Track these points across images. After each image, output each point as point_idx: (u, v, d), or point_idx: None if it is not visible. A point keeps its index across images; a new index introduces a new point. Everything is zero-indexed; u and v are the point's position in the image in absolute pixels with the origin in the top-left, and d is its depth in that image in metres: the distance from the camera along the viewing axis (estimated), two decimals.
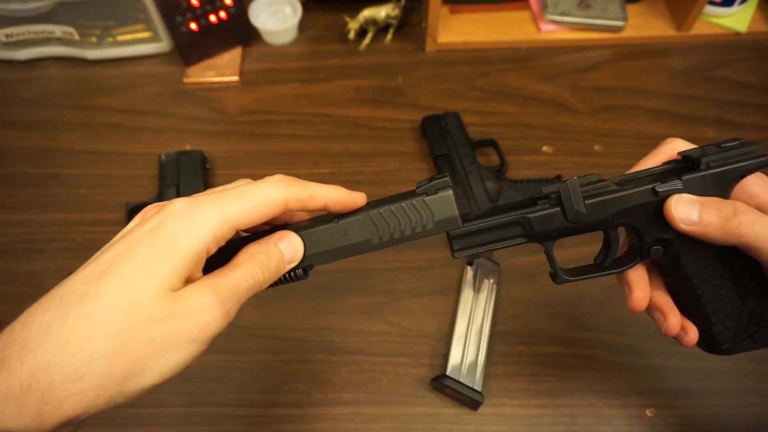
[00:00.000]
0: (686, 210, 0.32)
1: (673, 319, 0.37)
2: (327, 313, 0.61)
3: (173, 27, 0.76)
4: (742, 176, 0.33)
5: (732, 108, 0.76)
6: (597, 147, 0.73)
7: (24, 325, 0.26)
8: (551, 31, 0.83)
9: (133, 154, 0.74)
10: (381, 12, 0.81)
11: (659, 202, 0.33)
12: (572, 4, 0.83)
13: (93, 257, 0.28)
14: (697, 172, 0.33)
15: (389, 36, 0.85)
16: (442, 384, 0.54)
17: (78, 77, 0.82)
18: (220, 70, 0.81)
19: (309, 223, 0.33)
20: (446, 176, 0.33)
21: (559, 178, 0.67)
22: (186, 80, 0.81)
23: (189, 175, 0.68)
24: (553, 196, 0.34)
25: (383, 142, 0.75)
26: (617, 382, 0.56)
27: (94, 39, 0.80)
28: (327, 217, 0.33)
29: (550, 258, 0.36)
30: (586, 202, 0.33)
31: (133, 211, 0.66)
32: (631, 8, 0.84)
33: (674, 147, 0.35)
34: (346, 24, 0.83)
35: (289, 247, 0.32)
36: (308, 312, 0.61)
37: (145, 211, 0.30)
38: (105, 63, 0.83)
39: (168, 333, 0.26)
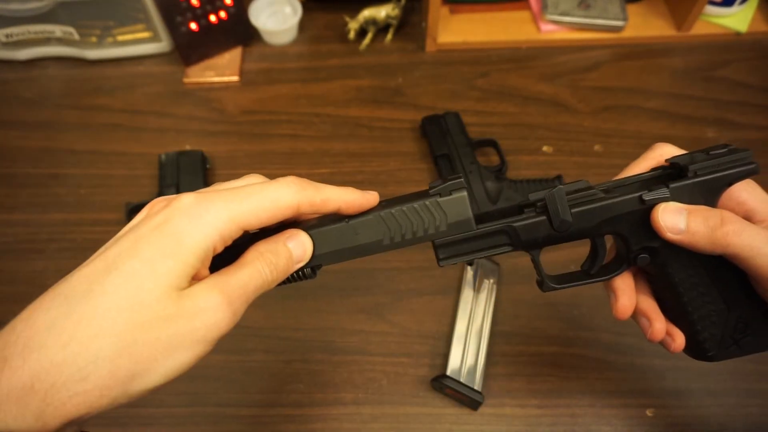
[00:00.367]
0: (673, 219, 0.32)
1: (658, 325, 0.37)
2: (327, 313, 0.61)
3: (173, 27, 0.76)
4: (730, 184, 0.33)
5: (732, 108, 0.76)
6: (597, 147, 0.73)
7: (26, 324, 0.25)
8: (551, 31, 0.83)
9: (133, 154, 0.74)
10: (381, 12, 0.81)
11: (646, 210, 0.33)
12: (572, 4, 0.83)
13: (98, 252, 0.28)
14: (685, 180, 0.32)
15: (389, 36, 0.85)
16: (442, 384, 0.54)
17: (78, 77, 0.82)
18: (220, 70, 0.81)
19: (318, 222, 0.33)
20: (460, 177, 0.32)
21: (559, 178, 0.67)
22: (186, 80, 0.81)
23: (189, 175, 0.68)
24: (539, 204, 0.33)
25: (383, 142, 0.75)
26: (617, 382, 0.56)
27: (94, 39, 0.80)
28: (337, 216, 0.33)
29: (537, 266, 0.35)
30: (573, 210, 0.33)
31: (133, 211, 0.66)
32: (631, 8, 0.84)
33: (663, 153, 0.35)
34: (346, 24, 0.83)
35: (298, 246, 0.31)
36: (309, 312, 0.61)
37: (151, 205, 0.29)
38: (105, 63, 0.83)
39: (174, 333, 0.25)
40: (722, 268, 0.33)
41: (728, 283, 0.34)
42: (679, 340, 0.36)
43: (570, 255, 0.52)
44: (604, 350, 0.58)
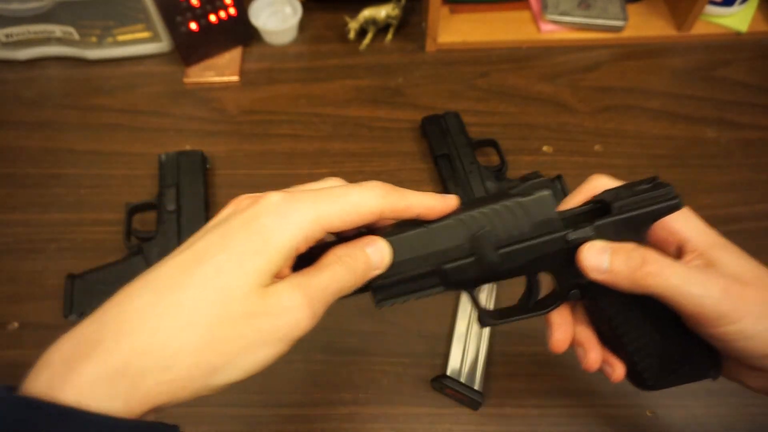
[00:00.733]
0: (597, 258, 0.32)
1: (593, 355, 0.37)
2: (327, 313, 0.61)
3: (173, 27, 0.76)
4: (655, 220, 0.32)
5: (732, 108, 0.76)
6: (597, 147, 0.73)
7: (119, 308, 0.25)
8: (551, 31, 0.83)
9: (133, 154, 0.74)
10: (381, 12, 0.81)
11: (572, 249, 0.32)
12: (572, 4, 0.83)
13: (186, 244, 0.28)
14: (609, 217, 0.32)
15: (389, 36, 0.85)
16: (442, 384, 0.54)
17: (78, 77, 0.82)
18: (220, 70, 0.81)
19: (395, 229, 0.32)
20: (541, 176, 0.32)
21: (559, 178, 0.67)
22: (186, 80, 0.81)
23: (189, 175, 0.68)
24: (466, 246, 0.32)
25: (383, 142, 0.75)
26: (617, 383, 0.56)
27: (94, 39, 0.80)
28: (415, 221, 0.32)
29: (474, 303, 0.35)
30: (499, 251, 0.32)
31: (133, 211, 0.66)
32: (632, 8, 0.84)
33: (597, 185, 0.35)
34: (346, 24, 0.83)
35: (376, 252, 0.30)
36: None
37: (237, 201, 0.29)
38: (105, 63, 0.83)
39: (258, 330, 0.26)
40: (653, 302, 0.32)
41: (660, 316, 0.33)
42: (618, 370, 0.37)
43: None
44: None
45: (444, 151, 0.70)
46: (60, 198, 0.71)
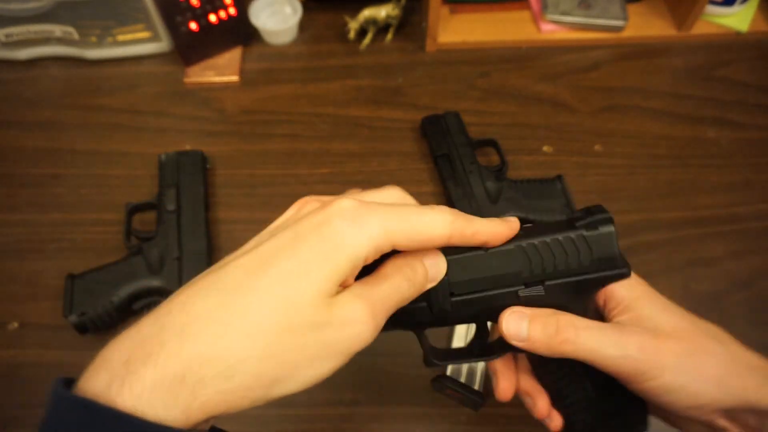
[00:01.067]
0: (516, 325, 0.32)
1: (542, 402, 0.37)
2: None
3: (173, 27, 0.76)
4: (603, 285, 0.33)
5: (732, 108, 0.76)
6: (597, 147, 0.73)
7: (182, 309, 0.24)
8: (551, 31, 0.83)
9: (133, 154, 0.74)
10: (381, 12, 0.81)
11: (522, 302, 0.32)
12: (572, 4, 0.83)
13: (252, 243, 0.27)
14: (560, 278, 0.32)
15: (389, 36, 0.85)
16: (442, 384, 0.54)
17: (78, 77, 0.82)
18: (220, 70, 0.81)
19: (454, 249, 0.31)
20: (604, 210, 0.32)
21: (559, 178, 0.67)
22: (186, 80, 0.81)
23: (189, 175, 0.68)
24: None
25: (383, 142, 0.75)
26: None
27: (94, 39, 0.80)
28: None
29: (421, 343, 0.35)
30: (453, 299, 0.32)
31: (132, 211, 0.66)
32: (632, 8, 0.84)
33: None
34: (346, 24, 0.83)
35: (434, 265, 0.30)
36: None
37: (302, 203, 0.29)
38: (105, 63, 0.83)
39: (321, 341, 0.25)
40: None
41: (597, 374, 0.33)
42: (556, 420, 0.37)
43: None
44: None
45: (444, 151, 0.70)
46: (60, 198, 0.71)
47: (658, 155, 0.72)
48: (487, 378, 0.56)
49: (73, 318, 0.56)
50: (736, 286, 0.62)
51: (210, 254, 0.63)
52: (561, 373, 0.35)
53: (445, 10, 0.85)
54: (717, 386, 0.31)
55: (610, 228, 0.31)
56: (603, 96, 0.78)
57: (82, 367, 0.24)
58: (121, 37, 0.81)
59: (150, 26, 0.79)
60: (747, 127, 0.75)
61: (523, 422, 0.55)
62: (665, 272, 0.63)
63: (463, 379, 0.55)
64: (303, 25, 0.86)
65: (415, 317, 0.32)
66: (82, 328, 0.57)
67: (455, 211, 0.29)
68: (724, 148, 0.73)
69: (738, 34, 0.83)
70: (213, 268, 0.26)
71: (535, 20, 0.84)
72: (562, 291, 0.32)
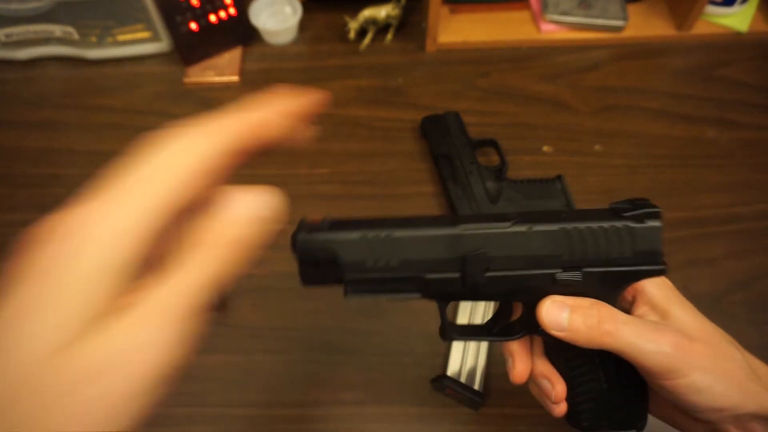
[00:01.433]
0: (557, 315, 0.32)
1: (560, 386, 0.37)
2: (327, 313, 0.61)
3: (173, 27, 0.76)
4: (638, 279, 0.33)
5: (732, 108, 0.76)
6: (597, 147, 0.73)
7: None
8: (551, 31, 0.83)
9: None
10: (381, 12, 0.81)
11: (555, 287, 0.32)
12: (572, 4, 0.83)
13: None
14: (599, 267, 0.32)
15: (389, 36, 0.85)
16: (442, 384, 0.54)
17: (78, 77, 0.82)
18: (220, 70, 0.81)
19: (483, 217, 0.31)
20: (652, 203, 0.31)
21: (559, 178, 0.67)
22: (186, 80, 0.81)
23: None
24: (456, 258, 0.31)
25: (383, 142, 0.75)
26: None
27: (94, 39, 0.80)
28: (505, 215, 0.31)
29: (442, 315, 0.35)
30: (488, 274, 0.31)
31: None
32: (632, 8, 0.84)
33: None
34: (346, 24, 0.83)
35: (250, 204, 0.21)
36: (308, 312, 0.61)
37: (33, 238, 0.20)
38: (105, 63, 0.83)
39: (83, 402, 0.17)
40: (611, 354, 0.32)
41: (615, 368, 0.34)
42: (562, 406, 0.37)
43: None
44: None
45: (444, 151, 0.70)
46: (60, 198, 0.70)
47: (658, 155, 0.72)
48: (488, 378, 0.56)
49: None
50: (736, 286, 0.62)
51: None
52: (578, 362, 0.35)
53: (445, 10, 0.85)
54: (739, 390, 0.31)
55: (658, 222, 0.31)
56: (603, 96, 0.78)
57: None
58: (121, 37, 0.81)
59: (150, 26, 0.79)
60: (747, 127, 0.75)
61: (523, 422, 0.55)
62: None
63: (463, 379, 0.55)
64: (303, 25, 0.86)
65: (445, 288, 0.32)
66: None
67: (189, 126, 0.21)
68: (724, 148, 0.73)
69: (738, 34, 0.83)
70: None
71: (535, 20, 0.84)
72: (598, 280, 0.32)
